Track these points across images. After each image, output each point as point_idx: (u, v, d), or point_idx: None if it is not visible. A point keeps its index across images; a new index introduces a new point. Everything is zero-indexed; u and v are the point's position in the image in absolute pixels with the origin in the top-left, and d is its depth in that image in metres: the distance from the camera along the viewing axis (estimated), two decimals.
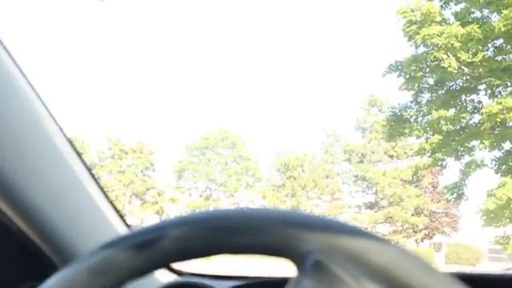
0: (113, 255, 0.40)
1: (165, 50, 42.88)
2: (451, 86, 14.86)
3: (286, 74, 42.67)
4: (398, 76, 14.98)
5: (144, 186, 28.13)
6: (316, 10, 42.92)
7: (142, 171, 28.65)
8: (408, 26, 13.90)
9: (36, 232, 0.62)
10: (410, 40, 14.11)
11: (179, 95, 43.36)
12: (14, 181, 0.55)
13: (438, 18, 13.67)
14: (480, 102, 14.82)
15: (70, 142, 0.67)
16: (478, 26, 12.99)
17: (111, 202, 0.75)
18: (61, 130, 0.66)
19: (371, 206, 27.98)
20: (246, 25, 44.34)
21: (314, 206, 28.57)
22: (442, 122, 14.61)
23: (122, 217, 0.76)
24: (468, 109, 14.91)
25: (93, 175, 0.72)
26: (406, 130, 15.34)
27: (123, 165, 28.23)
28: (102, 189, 0.73)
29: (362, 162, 27.96)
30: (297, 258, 0.39)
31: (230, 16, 43.29)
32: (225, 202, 29.19)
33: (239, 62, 43.83)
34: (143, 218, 27.16)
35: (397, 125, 15.53)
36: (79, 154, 0.69)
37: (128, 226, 0.76)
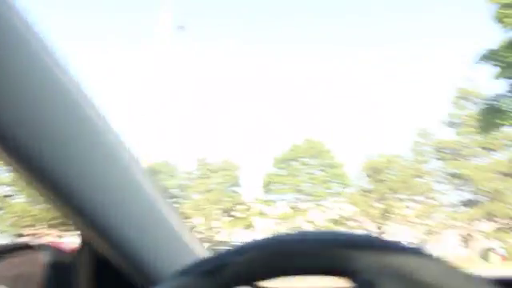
0: (186, 281, 0.45)
1: (246, 62, 43.59)
2: None
3: (367, 72, 41.96)
4: (494, 65, 14.23)
5: (232, 202, 28.48)
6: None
7: (229, 187, 29.05)
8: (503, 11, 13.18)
9: (124, 259, 0.71)
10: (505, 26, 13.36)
11: (262, 109, 43.83)
12: (105, 213, 0.66)
13: None
14: None
15: (146, 172, 0.74)
16: None
17: (188, 227, 0.82)
18: (137, 160, 0.72)
19: (469, 203, 26.62)
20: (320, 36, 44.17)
21: (406, 207, 27.62)
22: None
23: (199, 241, 0.83)
24: None
25: (170, 203, 0.78)
26: (502, 121, 14.49)
27: (211, 183, 28.78)
28: (179, 215, 0.80)
29: (455, 158, 26.72)
30: (349, 277, 0.42)
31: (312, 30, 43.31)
32: (314, 211, 28.92)
33: (318, 68, 43.67)
34: (233, 234, 27.44)
35: (491, 116, 14.70)
36: (157, 183, 0.75)
37: (204, 249, 0.82)
